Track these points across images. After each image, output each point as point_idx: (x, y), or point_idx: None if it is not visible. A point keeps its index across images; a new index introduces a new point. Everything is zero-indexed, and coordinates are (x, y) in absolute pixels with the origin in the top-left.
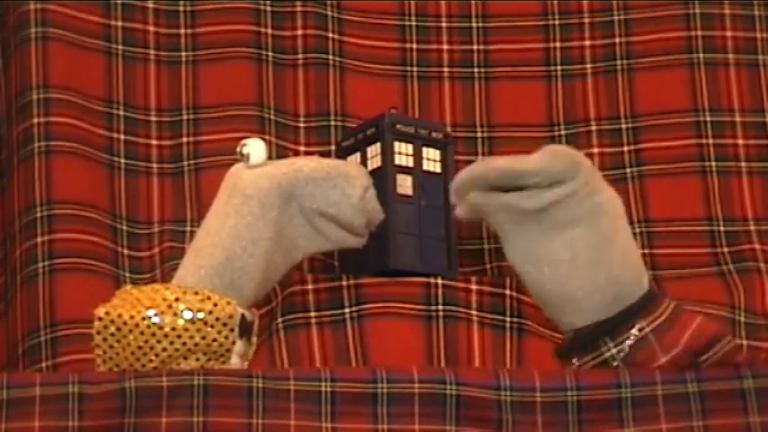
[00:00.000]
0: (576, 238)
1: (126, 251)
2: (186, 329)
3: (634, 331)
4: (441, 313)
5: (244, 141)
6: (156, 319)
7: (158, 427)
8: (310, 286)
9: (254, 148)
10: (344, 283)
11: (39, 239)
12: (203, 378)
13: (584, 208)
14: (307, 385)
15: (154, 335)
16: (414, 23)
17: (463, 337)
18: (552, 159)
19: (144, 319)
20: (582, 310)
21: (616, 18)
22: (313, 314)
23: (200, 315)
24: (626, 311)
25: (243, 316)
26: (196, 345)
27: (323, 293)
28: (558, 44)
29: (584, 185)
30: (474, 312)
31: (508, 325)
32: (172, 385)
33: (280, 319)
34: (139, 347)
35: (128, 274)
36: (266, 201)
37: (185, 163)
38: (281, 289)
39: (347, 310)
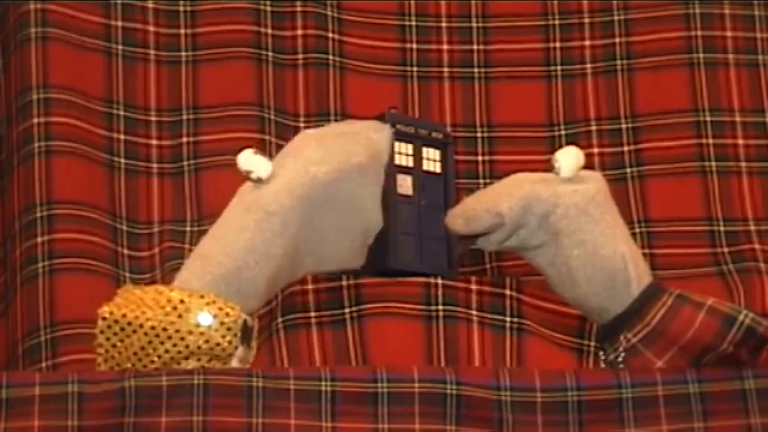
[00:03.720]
0: (580, 229)
1: (126, 251)
2: (190, 332)
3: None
4: (441, 313)
5: (240, 164)
6: (160, 321)
7: (158, 427)
8: (310, 286)
9: (256, 163)
10: (344, 283)
11: (39, 239)
12: (203, 377)
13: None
14: (307, 385)
15: (157, 336)
16: (414, 23)
17: (463, 337)
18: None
19: (148, 319)
20: (621, 284)
21: (616, 18)
22: (313, 314)
23: (205, 318)
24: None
25: (245, 321)
26: (199, 348)
27: (323, 293)
28: (558, 44)
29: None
30: (474, 312)
31: (508, 325)
32: (171, 385)
33: (280, 319)
34: (142, 348)
35: (128, 274)
36: (288, 218)
37: (185, 163)
38: (281, 289)
39: (347, 311)
